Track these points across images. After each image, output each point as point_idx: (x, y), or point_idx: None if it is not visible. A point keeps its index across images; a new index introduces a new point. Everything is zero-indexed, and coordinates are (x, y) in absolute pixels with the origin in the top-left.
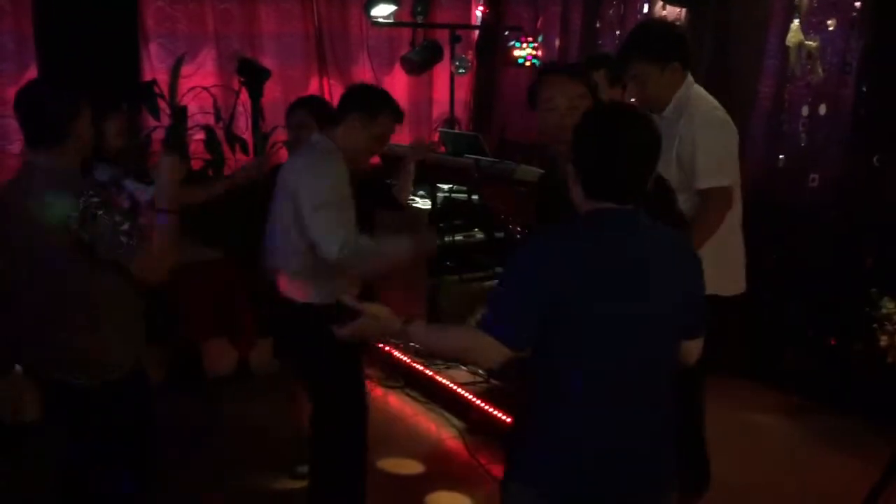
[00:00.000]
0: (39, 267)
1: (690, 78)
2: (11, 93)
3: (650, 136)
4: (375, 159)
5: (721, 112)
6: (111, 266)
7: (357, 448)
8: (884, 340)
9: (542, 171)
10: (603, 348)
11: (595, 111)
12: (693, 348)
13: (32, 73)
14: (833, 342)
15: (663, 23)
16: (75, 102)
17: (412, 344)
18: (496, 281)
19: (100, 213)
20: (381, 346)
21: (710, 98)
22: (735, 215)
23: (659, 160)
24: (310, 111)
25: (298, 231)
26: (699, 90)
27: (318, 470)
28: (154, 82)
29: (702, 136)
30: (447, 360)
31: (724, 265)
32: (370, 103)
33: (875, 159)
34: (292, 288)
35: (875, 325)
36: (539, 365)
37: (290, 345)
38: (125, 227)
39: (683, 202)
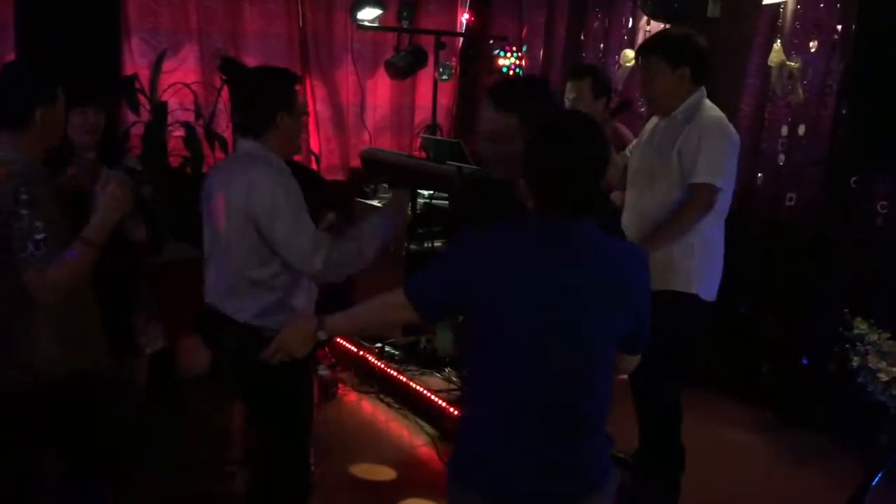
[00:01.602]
0: None
1: (703, 91)
2: None
3: (601, 150)
4: (356, 163)
5: (731, 126)
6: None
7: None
8: (855, 361)
9: None
10: (517, 351)
11: (547, 125)
12: (631, 362)
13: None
14: (806, 360)
15: (689, 32)
16: (42, 89)
17: (338, 335)
18: None
19: (23, 211)
20: (356, 351)
21: (722, 114)
22: (722, 228)
23: (600, 172)
24: None
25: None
26: (712, 104)
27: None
28: (135, 77)
29: (708, 137)
30: (372, 332)
31: (710, 270)
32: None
33: (852, 181)
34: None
35: (847, 346)
36: (469, 365)
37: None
38: (38, 236)
39: (665, 207)
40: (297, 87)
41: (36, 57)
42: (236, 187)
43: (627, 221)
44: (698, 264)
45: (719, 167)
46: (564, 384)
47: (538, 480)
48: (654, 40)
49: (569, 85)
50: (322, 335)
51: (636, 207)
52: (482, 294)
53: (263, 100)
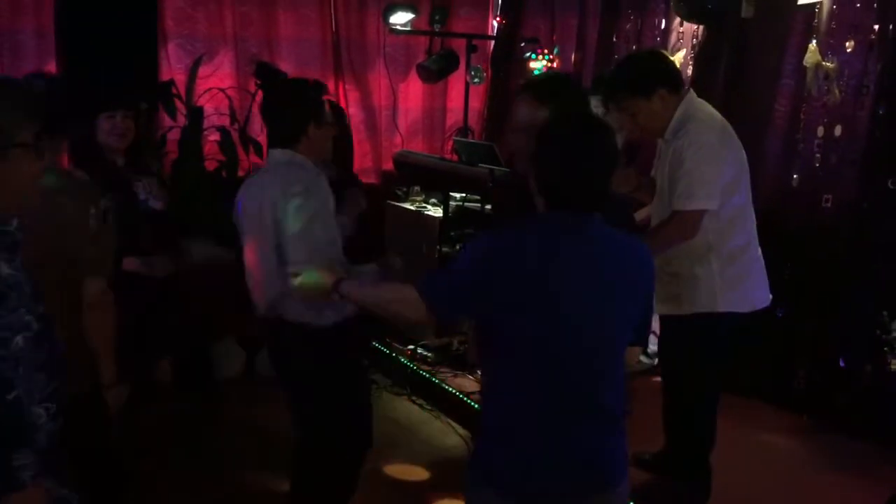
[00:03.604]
0: None
1: (690, 96)
2: None
3: (611, 145)
4: (388, 166)
5: (715, 135)
6: None
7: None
8: (894, 363)
9: None
10: (541, 349)
11: (556, 121)
12: (633, 354)
13: (52, 69)
14: (843, 364)
15: (641, 55)
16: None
17: (348, 301)
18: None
19: None
20: (388, 353)
21: (711, 118)
22: (747, 232)
23: (610, 170)
24: None
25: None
26: (700, 110)
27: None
28: (172, 82)
29: (689, 157)
30: (376, 314)
31: (737, 283)
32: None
33: (890, 182)
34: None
35: (885, 349)
36: (486, 365)
37: (284, 368)
38: None
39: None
40: (326, 98)
41: (76, 64)
42: (271, 192)
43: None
44: (721, 282)
45: (702, 189)
46: (590, 378)
47: (566, 477)
48: (615, 82)
49: (592, 100)
50: (335, 296)
51: (654, 222)
52: (505, 294)
53: (293, 112)
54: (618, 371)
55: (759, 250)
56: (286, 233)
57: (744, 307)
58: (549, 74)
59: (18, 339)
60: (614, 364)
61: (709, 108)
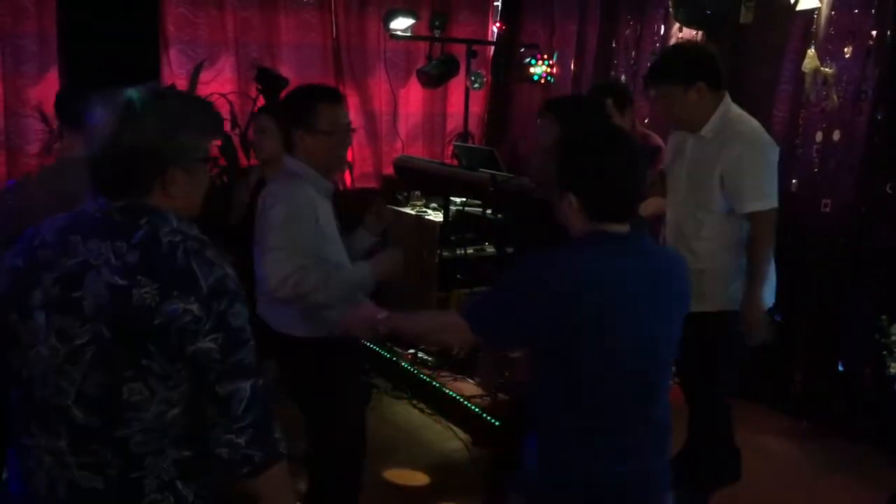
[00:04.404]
0: None
1: (728, 98)
2: (32, 93)
3: (640, 153)
4: (388, 170)
5: (764, 133)
6: None
7: (352, 483)
8: (893, 367)
9: None
10: (594, 370)
11: (582, 134)
12: None
13: (53, 74)
14: (842, 368)
15: (689, 45)
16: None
17: (394, 332)
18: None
19: None
20: (389, 357)
21: (752, 119)
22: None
23: (643, 179)
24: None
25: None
26: (739, 111)
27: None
28: (173, 87)
29: (750, 162)
30: (421, 340)
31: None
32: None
33: (888, 187)
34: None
35: (884, 352)
36: (540, 385)
37: (288, 377)
38: None
39: (717, 225)
40: (328, 106)
41: (78, 69)
42: (268, 202)
43: (671, 233)
44: (743, 281)
45: (766, 187)
46: (645, 394)
47: (627, 491)
48: (658, 66)
49: None
50: (381, 328)
51: (678, 219)
52: (556, 317)
53: (283, 116)
54: (667, 384)
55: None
56: (261, 245)
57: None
58: (572, 96)
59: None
60: (666, 377)
61: (746, 113)
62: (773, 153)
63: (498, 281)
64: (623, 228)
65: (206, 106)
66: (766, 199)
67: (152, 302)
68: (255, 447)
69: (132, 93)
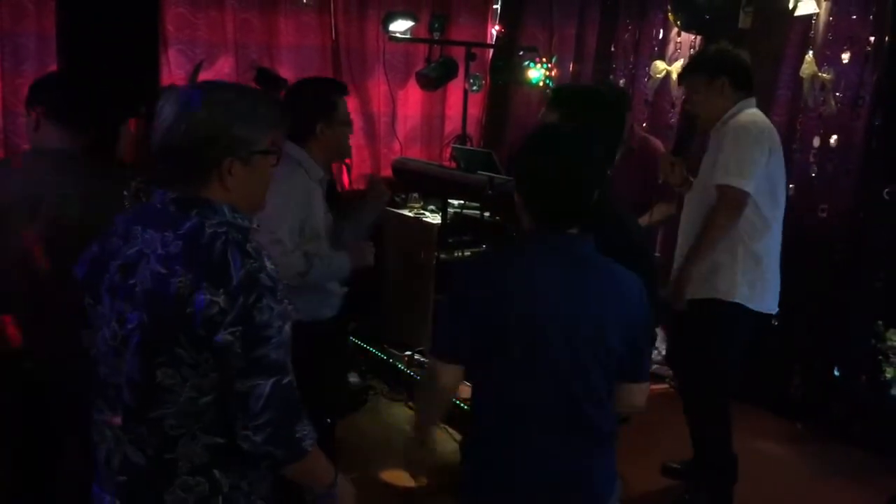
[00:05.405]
0: None
1: (750, 100)
2: None
3: (577, 157)
4: (387, 172)
5: (757, 128)
6: None
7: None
8: (889, 373)
9: None
10: (513, 371)
11: (528, 136)
12: (636, 392)
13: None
14: (838, 372)
15: (725, 46)
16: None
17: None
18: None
19: None
20: (385, 358)
21: (759, 117)
22: (775, 242)
23: (588, 182)
24: None
25: None
26: (754, 112)
27: None
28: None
29: (730, 140)
30: (438, 413)
31: (757, 281)
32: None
33: (885, 192)
34: None
35: (880, 357)
36: (472, 386)
37: None
38: None
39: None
40: (343, 99)
41: (77, 68)
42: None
43: (682, 223)
44: (742, 275)
45: (743, 168)
46: (569, 399)
47: (549, 495)
48: (692, 59)
49: None
50: (427, 451)
51: (689, 210)
52: (480, 318)
53: (303, 108)
54: (604, 392)
55: (778, 265)
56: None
57: (752, 303)
58: (575, 86)
59: (287, 327)
60: (600, 385)
61: (761, 114)
62: (758, 144)
63: (442, 301)
64: (564, 231)
65: (265, 99)
66: (737, 177)
67: (185, 291)
68: (274, 445)
69: (190, 87)
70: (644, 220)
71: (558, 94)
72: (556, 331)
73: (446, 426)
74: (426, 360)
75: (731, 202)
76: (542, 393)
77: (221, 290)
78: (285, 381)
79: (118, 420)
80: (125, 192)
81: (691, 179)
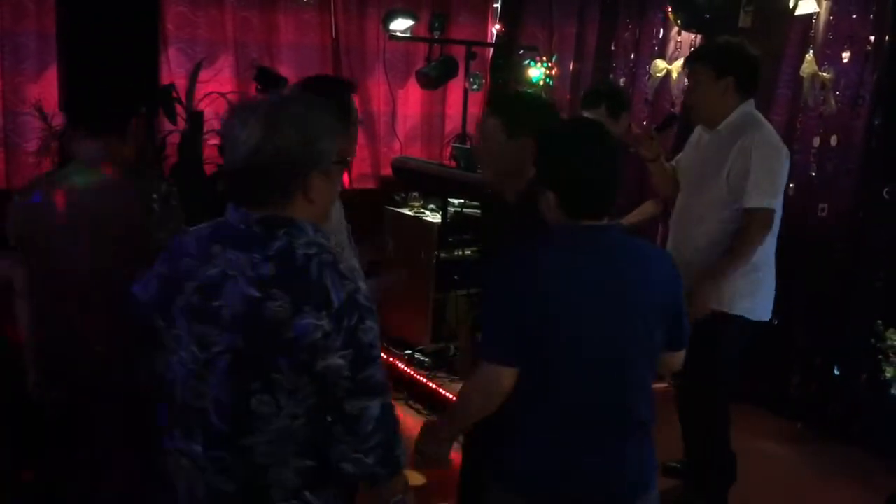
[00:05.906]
0: None
1: (751, 104)
2: (31, 91)
3: (614, 146)
4: (387, 171)
5: (778, 141)
6: None
7: None
8: (888, 372)
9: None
10: (562, 363)
11: (556, 129)
12: (674, 360)
13: (52, 72)
14: (838, 371)
15: (739, 42)
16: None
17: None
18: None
19: None
20: (385, 358)
21: (770, 126)
22: (771, 245)
23: (621, 172)
24: None
25: None
26: (760, 116)
27: None
28: (172, 86)
29: (758, 156)
30: (476, 418)
31: (756, 291)
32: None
33: (885, 191)
34: None
35: (880, 357)
36: (518, 381)
37: None
38: None
39: (720, 221)
40: (353, 98)
41: (77, 67)
42: None
43: (675, 224)
44: (743, 286)
45: (772, 188)
46: (618, 388)
47: (595, 484)
48: (702, 49)
49: (585, 114)
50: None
51: (684, 212)
52: (537, 313)
53: None
54: (647, 379)
55: (774, 272)
56: None
57: (753, 315)
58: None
59: None
60: (644, 373)
61: (765, 120)
62: (784, 157)
63: (483, 302)
64: (598, 222)
65: (327, 106)
66: (767, 197)
67: (284, 316)
68: (381, 466)
69: (263, 105)
70: (627, 220)
71: (499, 104)
72: (602, 324)
73: None
74: (428, 360)
75: (767, 223)
76: (589, 386)
77: (325, 314)
78: (388, 401)
79: (198, 448)
80: (153, 196)
81: (663, 160)
